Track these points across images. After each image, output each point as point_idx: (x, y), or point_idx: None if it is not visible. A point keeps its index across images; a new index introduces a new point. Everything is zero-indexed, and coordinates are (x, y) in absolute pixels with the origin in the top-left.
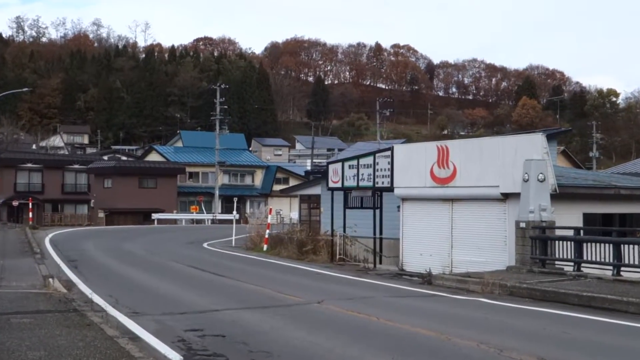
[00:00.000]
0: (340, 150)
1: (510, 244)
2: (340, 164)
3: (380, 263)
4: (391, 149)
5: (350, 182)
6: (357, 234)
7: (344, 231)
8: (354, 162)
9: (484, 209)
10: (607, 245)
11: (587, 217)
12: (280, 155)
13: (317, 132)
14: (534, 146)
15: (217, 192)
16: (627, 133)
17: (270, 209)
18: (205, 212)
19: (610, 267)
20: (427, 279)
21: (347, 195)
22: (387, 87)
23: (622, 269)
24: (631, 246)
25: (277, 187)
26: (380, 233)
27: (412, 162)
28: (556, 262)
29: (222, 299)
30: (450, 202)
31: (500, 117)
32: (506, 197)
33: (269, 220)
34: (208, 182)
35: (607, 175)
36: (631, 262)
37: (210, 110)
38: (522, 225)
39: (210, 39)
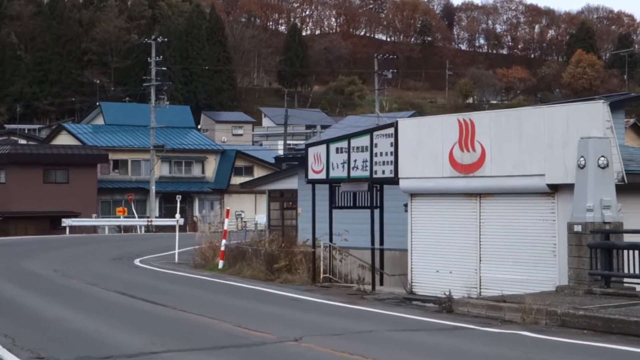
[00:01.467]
0: (324, 127)
1: (561, 254)
2: (324, 146)
3: (382, 284)
4: (395, 125)
5: (338, 172)
6: (349, 244)
7: (331, 240)
8: (344, 144)
9: (524, 206)
10: None
11: None
12: (241, 135)
13: (293, 102)
14: (592, 119)
15: (153, 188)
16: None
17: (228, 211)
18: (137, 215)
19: None
20: (446, 305)
21: (335, 191)
22: (388, 40)
23: None
24: None
25: (237, 180)
26: (381, 242)
27: (424, 143)
28: (625, 280)
29: (162, 337)
30: (477, 198)
31: (546, 79)
32: (555, 189)
33: (225, 227)
34: (141, 173)
35: None
36: None
37: (142, 74)
38: (578, 228)
39: None
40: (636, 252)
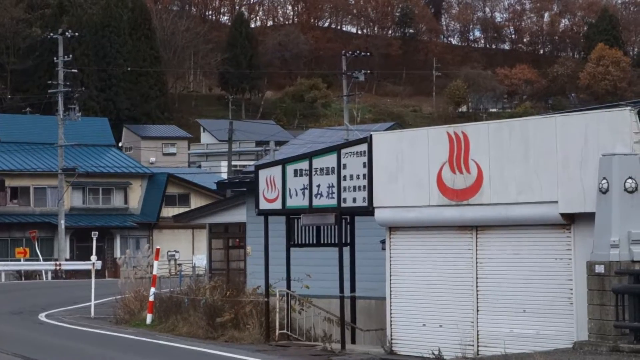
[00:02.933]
0: (279, 144)
1: (580, 302)
2: (279, 168)
3: (353, 342)
4: (368, 140)
5: (297, 201)
6: (312, 292)
7: (288, 287)
8: (304, 165)
9: (533, 241)
10: None
11: None
12: (174, 154)
13: (239, 112)
14: (617, 130)
15: (62, 223)
16: None
17: (158, 251)
18: (42, 258)
19: None
20: None
21: (293, 224)
22: (360, 32)
23: None
24: None
25: (170, 212)
26: (352, 289)
27: (405, 163)
28: None
29: None
30: (473, 232)
31: (559, 81)
32: (571, 220)
33: (155, 271)
34: (46, 204)
35: None
36: None
37: (47, 78)
38: (600, 269)
39: None
40: None
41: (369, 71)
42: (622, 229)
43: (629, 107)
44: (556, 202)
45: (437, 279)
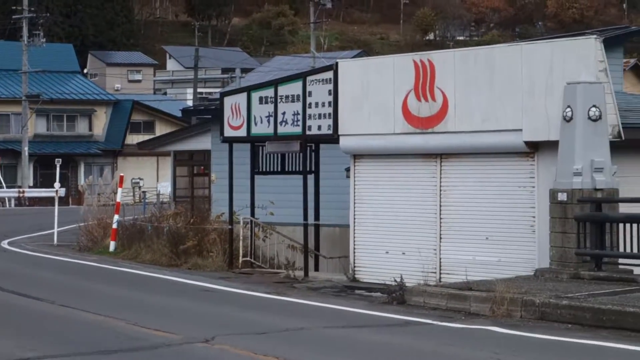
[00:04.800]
0: (246, 71)
1: (542, 230)
2: (244, 95)
3: (317, 269)
4: (334, 67)
5: (262, 128)
6: (276, 220)
7: (253, 215)
8: (270, 92)
9: (496, 169)
10: None
11: None
12: (139, 81)
13: (205, 39)
14: (582, 59)
15: (26, 150)
16: None
17: (122, 178)
18: (4, 185)
19: None
20: (397, 294)
21: (258, 152)
22: None
23: None
24: None
25: (135, 139)
26: (316, 217)
27: (371, 91)
28: (621, 261)
29: (37, 340)
30: (437, 160)
31: (527, 9)
32: (535, 148)
33: (119, 198)
34: (10, 131)
35: None
36: None
37: (12, 3)
38: (562, 197)
39: None
40: (635, 225)
41: None
42: (585, 157)
43: (594, 36)
44: (520, 130)
45: (400, 207)
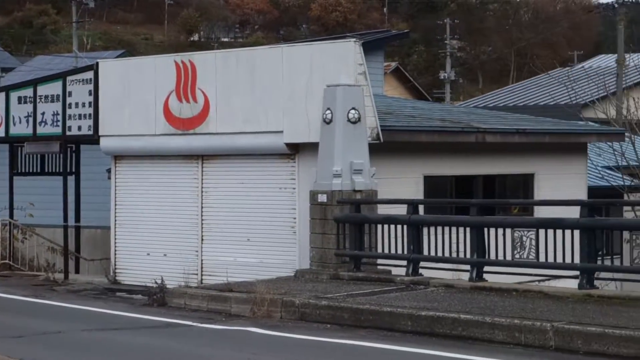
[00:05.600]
0: (6, 70)
1: (303, 231)
2: (2, 95)
3: (78, 271)
4: (95, 67)
5: (21, 129)
6: (35, 221)
7: (11, 216)
8: (29, 92)
9: (258, 171)
10: (462, 230)
11: (432, 183)
12: None
13: None
14: (341, 62)
15: None
16: (502, 40)
17: None
18: None
19: (468, 267)
20: (157, 296)
21: (17, 152)
22: None
23: (487, 268)
24: (500, 231)
25: None
26: (77, 219)
27: (132, 92)
28: (380, 261)
29: None
30: (198, 161)
31: (291, 12)
32: (295, 150)
33: None
34: None
35: (466, 112)
36: (500, 256)
37: None
38: (322, 198)
39: None
40: (392, 227)
41: None
42: (345, 159)
43: (353, 40)
44: (282, 132)
45: (162, 209)
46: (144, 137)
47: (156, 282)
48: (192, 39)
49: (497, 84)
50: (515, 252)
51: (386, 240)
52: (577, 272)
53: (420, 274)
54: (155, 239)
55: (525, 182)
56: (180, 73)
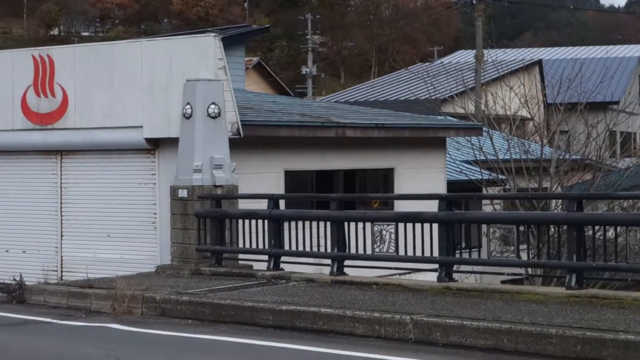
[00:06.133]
0: None
1: (164, 226)
2: None
3: None
4: None
5: None
6: None
7: None
8: None
9: (118, 166)
10: (323, 224)
11: (293, 178)
12: None
13: None
14: (201, 56)
15: None
16: (364, 35)
17: None
18: None
19: (329, 261)
20: (16, 293)
21: None
22: None
23: (347, 262)
24: (360, 225)
25: None
26: None
27: None
28: (241, 256)
29: None
30: (57, 156)
31: (152, 6)
32: (155, 145)
33: None
34: None
35: (326, 107)
36: (360, 250)
37: None
38: (183, 193)
39: None
40: (253, 221)
41: None
42: (205, 154)
43: (213, 34)
44: (141, 127)
45: (21, 205)
46: (2, 133)
47: (15, 279)
48: (52, 33)
49: (359, 79)
50: (376, 246)
51: (247, 235)
52: (436, 265)
53: (282, 269)
54: (14, 235)
55: (386, 177)
56: (38, 67)
